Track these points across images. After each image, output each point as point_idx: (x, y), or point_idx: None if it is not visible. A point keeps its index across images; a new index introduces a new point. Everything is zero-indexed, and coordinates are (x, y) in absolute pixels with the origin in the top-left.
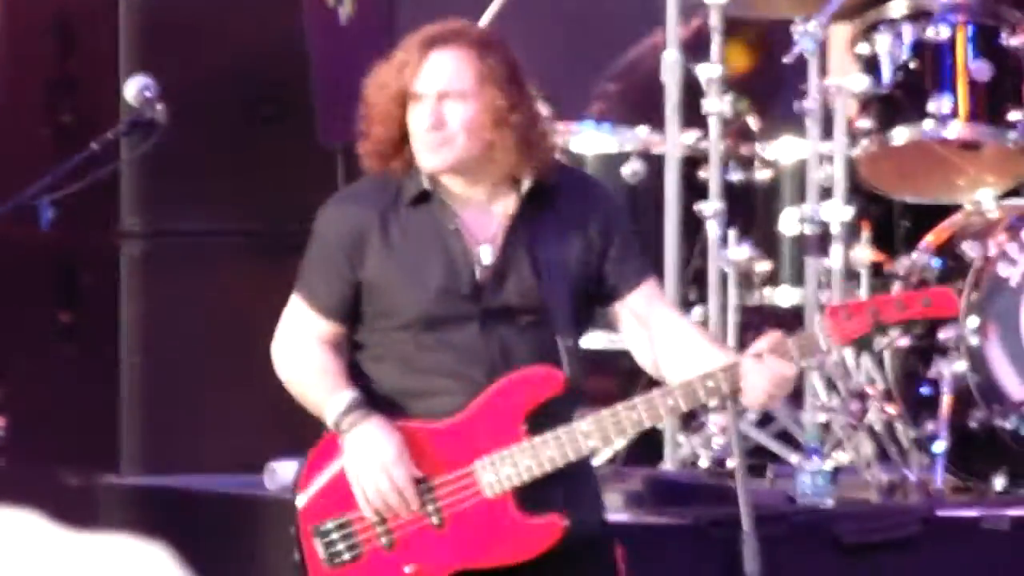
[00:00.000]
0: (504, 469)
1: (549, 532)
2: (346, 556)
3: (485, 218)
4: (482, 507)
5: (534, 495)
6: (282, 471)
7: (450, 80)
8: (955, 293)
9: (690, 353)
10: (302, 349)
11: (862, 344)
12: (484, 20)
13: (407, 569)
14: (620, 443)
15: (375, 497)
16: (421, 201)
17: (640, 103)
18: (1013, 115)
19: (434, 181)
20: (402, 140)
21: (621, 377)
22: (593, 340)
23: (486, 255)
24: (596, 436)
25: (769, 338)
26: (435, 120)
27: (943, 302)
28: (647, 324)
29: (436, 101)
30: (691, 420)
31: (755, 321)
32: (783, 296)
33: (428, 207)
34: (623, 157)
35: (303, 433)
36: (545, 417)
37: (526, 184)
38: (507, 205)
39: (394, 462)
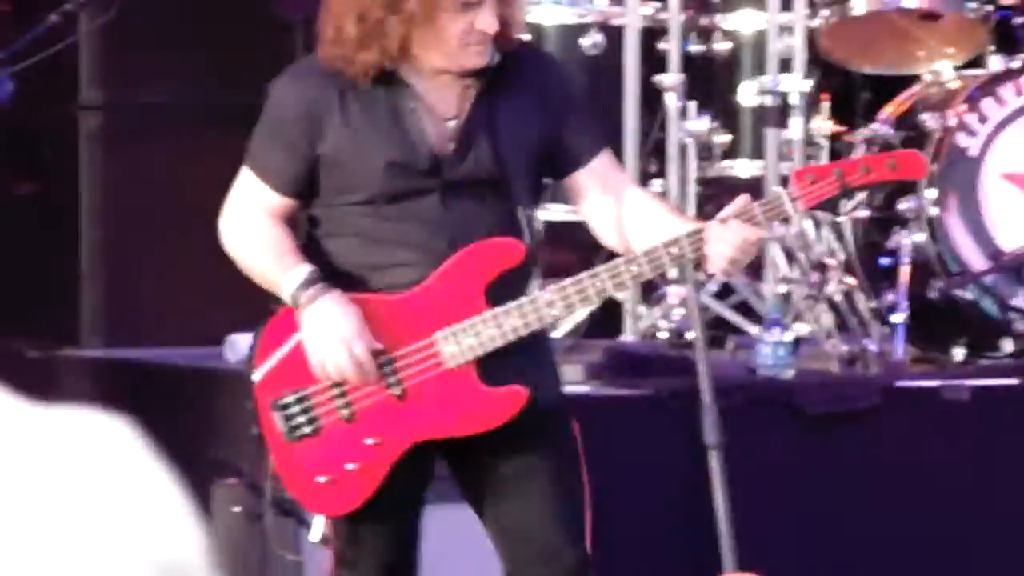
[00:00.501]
0: (466, 339)
1: (511, 402)
2: (306, 429)
3: (447, 92)
4: (444, 378)
5: (495, 366)
6: (241, 343)
7: None
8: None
9: (652, 221)
10: (253, 223)
11: (827, 207)
12: None
13: (368, 441)
14: (582, 313)
15: (335, 371)
16: (383, 81)
17: None
18: None
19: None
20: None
21: (580, 250)
22: (552, 213)
23: (447, 130)
24: (560, 305)
25: (735, 203)
26: (483, 22)
27: (910, 164)
28: (606, 194)
29: (496, 4)
30: (651, 292)
31: (715, 193)
32: (743, 168)
33: (389, 85)
34: (583, 28)
35: (262, 306)
36: (504, 288)
37: (492, 64)
38: (470, 83)
39: (354, 335)
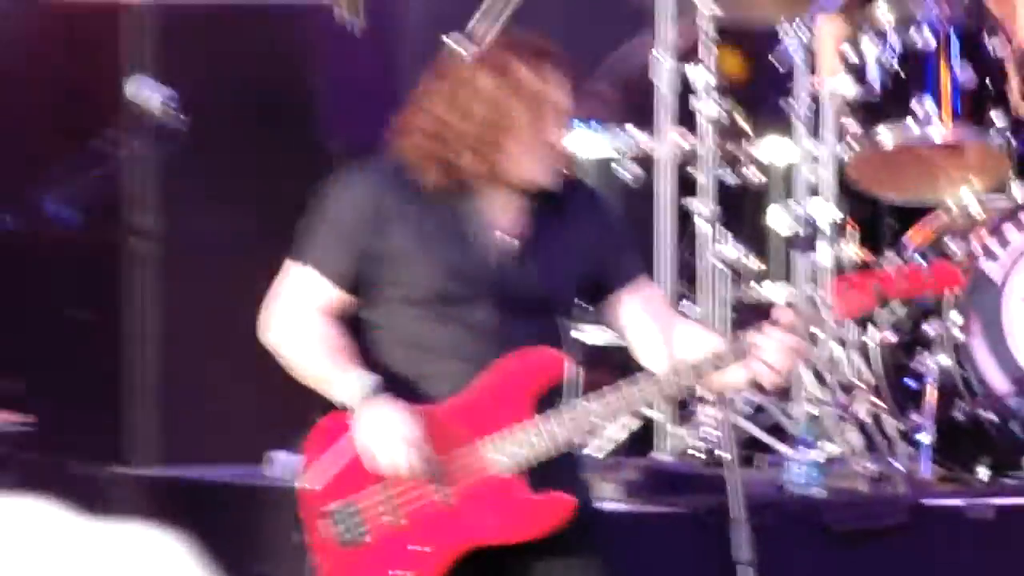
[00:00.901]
0: (515, 448)
1: (560, 509)
2: (357, 536)
3: (508, 207)
4: (493, 485)
5: (542, 474)
6: (280, 460)
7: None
8: (961, 272)
9: (694, 338)
10: (306, 320)
11: (865, 320)
12: (474, 21)
13: (418, 548)
14: (622, 434)
15: (394, 468)
16: (449, 194)
17: (629, 104)
18: (996, 118)
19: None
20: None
21: (616, 372)
22: (592, 336)
23: (504, 244)
24: (603, 414)
25: (776, 314)
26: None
27: (945, 274)
28: (646, 314)
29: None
30: (684, 411)
31: (748, 317)
32: (773, 292)
33: (455, 192)
34: (617, 159)
35: (299, 426)
36: (549, 399)
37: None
38: (523, 205)
39: (413, 435)
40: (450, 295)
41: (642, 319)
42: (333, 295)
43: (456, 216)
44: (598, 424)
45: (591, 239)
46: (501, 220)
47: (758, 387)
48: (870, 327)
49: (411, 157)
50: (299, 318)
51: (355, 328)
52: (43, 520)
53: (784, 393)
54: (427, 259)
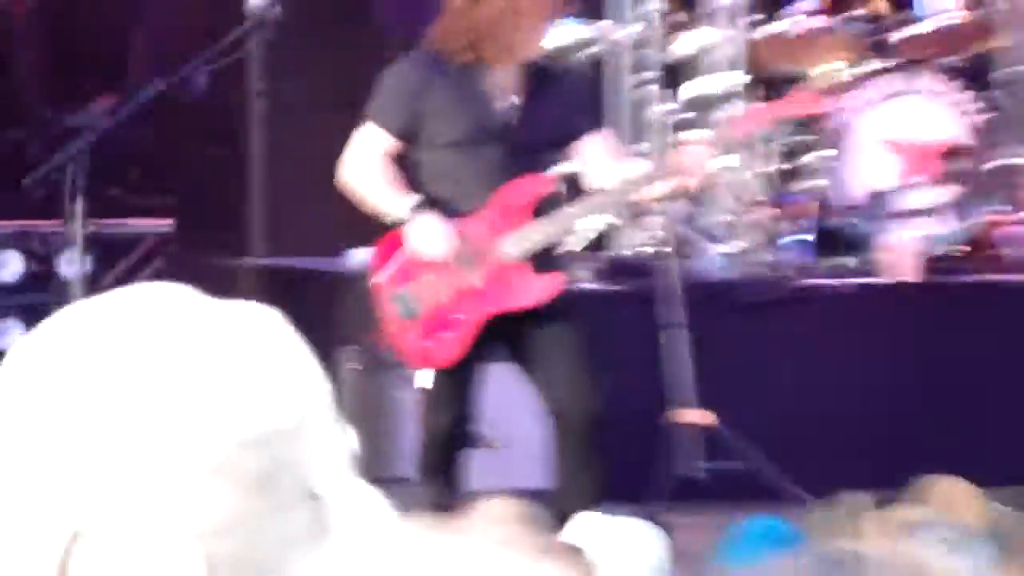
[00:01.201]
0: (522, 242)
1: (556, 282)
2: (415, 311)
3: (509, 79)
4: (508, 269)
5: (542, 259)
6: (357, 254)
7: None
8: (820, 96)
9: (631, 166)
10: (373, 162)
11: (767, 153)
12: None
13: (459, 316)
14: (595, 232)
15: (440, 262)
16: (465, 68)
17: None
18: (858, 8)
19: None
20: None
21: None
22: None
23: (508, 105)
24: (581, 214)
25: (687, 139)
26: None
27: (808, 98)
28: (600, 154)
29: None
30: (639, 218)
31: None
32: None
33: (473, 69)
34: (586, 42)
35: (371, 232)
36: (544, 208)
37: (529, 61)
38: (521, 77)
39: (449, 236)
40: (474, 139)
41: (598, 155)
42: (390, 143)
43: (476, 84)
44: (576, 223)
45: (565, 101)
46: (506, 87)
47: (681, 194)
48: (769, 157)
49: (446, 41)
50: (364, 163)
51: (408, 165)
52: (183, 300)
53: (709, 203)
54: (457, 114)
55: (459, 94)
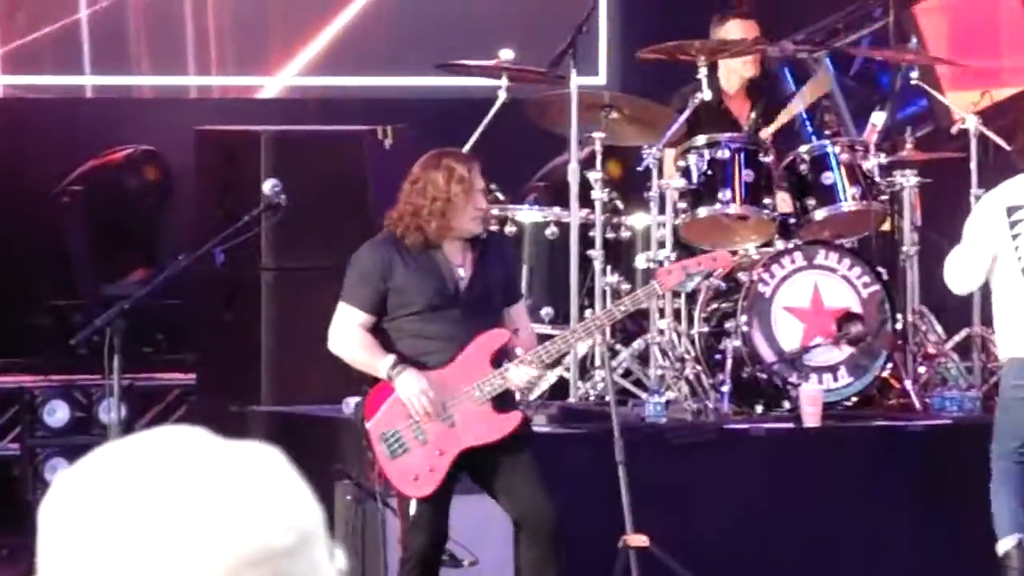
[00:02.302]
0: (486, 388)
1: (516, 419)
2: (400, 451)
3: (460, 251)
4: (475, 410)
5: (501, 401)
6: (352, 403)
7: (480, 181)
8: (728, 255)
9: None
10: (354, 336)
11: (678, 291)
12: (469, 144)
13: (437, 453)
14: (547, 384)
15: (420, 410)
16: (423, 246)
17: (555, 193)
18: (767, 200)
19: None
20: (446, 219)
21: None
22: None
23: (463, 274)
24: (535, 365)
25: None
26: (479, 204)
27: (721, 257)
28: (519, 321)
29: (483, 195)
30: (586, 372)
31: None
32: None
33: (427, 246)
34: (546, 224)
35: (360, 384)
36: (501, 357)
37: (481, 236)
38: (469, 247)
39: (427, 388)
40: (434, 305)
41: (519, 319)
42: (365, 318)
43: (431, 259)
44: (532, 371)
45: (504, 269)
46: (456, 259)
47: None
48: (695, 322)
49: (400, 228)
50: (349, 334)
51: (381, 332)
52: (200, 441)
53: (644, 360)
54: (418, 287)
55: (416, 269)
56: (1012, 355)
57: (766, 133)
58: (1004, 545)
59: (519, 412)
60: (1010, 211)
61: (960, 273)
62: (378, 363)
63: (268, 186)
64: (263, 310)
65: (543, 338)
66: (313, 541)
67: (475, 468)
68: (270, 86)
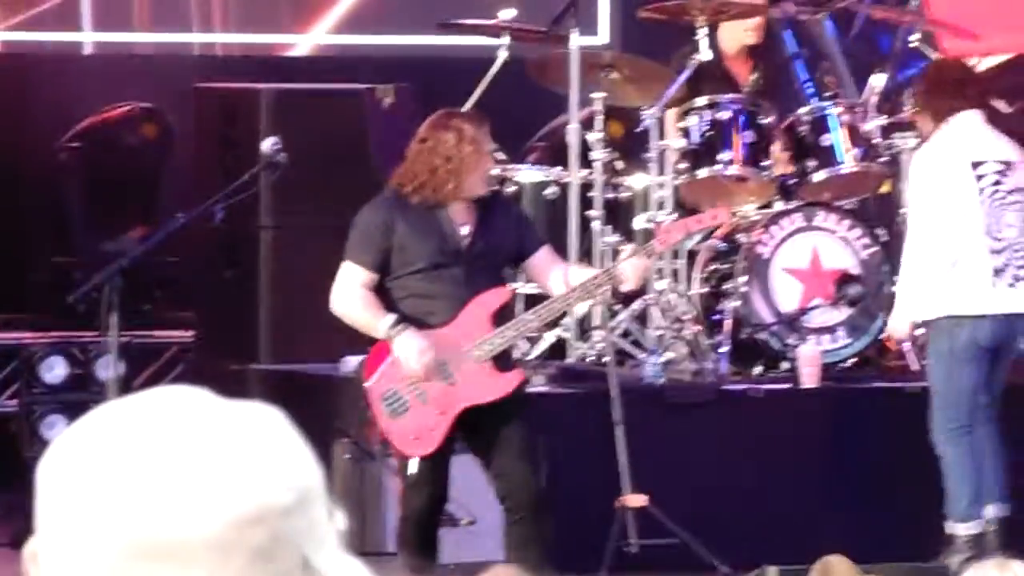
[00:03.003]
0: (486, 346)
1: (517, 378)
2: (401, 410)
3: (463, 210)
4: (476, 369)
5: (502, 360)
6: (351, 361)
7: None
8: (728, 211)
9: (577, 273)
10: (356, 294)
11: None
12: (470, 104)
13: (436, 412)
14: (549, 340)
15: (418, 367)
16: (425, 205)
17: (555, 153)
18: (766, 162)
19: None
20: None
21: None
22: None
23: (464, 233)
24: (536, 321)
25: (627, 251)
26: (489, 166)
27: (723, 214)
28: (549, 266)
29: (492, 156)
30: (585, 333)
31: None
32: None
33: (430, 204)
34: (546, 184)
35: (361, 342)
36: (502, 316)
37: (480, 195)
38: (471, 207)
39: (427, 347)
40: (436, 264)
41: (547, 267)
42: (367, 276)
43: (435, 218)
44: (533, 328)
45: (512, 226)
46: (460, 218)
47: (623, 296)
48: (695, 283)
49: (408, 185)
50: (351, 293)
51: (384, 292)
52: (199, 400)
53: (642, 321)
54: (420, 245)
55: (419, 228)
56: (960, 312)
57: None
58: (989, 512)
59: (520, 371)
60: (975, 165)
61: (942, 246)
62: (378, 323)
63: (267, 144)
64: (261, 268)
65: (540, 299)
66: (312, 500)
67: (471, 432)
68: (276, 44)
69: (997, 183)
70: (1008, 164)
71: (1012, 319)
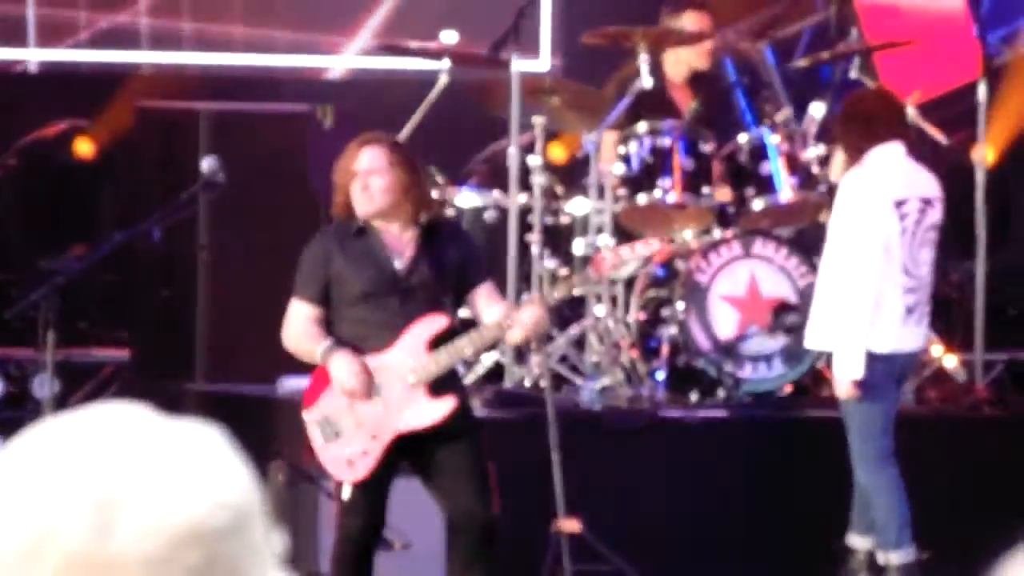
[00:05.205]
0: (420, 372)
1: (449, 406)
2: (333, 435)
3: (399, 241)
4: (410, 395)
5: (438, 386)
6: (287, 383)
7: (371, 162)
8: (661, 240)
9: (501, 311)
10: (299, 326)
11: (613, 278)
12: (405, 132)
13: (370, 437)
14: (483, 368)
15: (351, 392)
16: (362, 233)
17: (495, 177)
18: (706, 190)
19: (368, 223)
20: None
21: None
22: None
23: (400, 261)
24: (469, 348)
25: (532, 297)
26: (362, 186)
27: (657, 244)
28: (485, 301)
29: (364, 176)
30: (522, 357)
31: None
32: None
33: (367, 234)
34: (486, 208)
35: (296, 361)
36: (439, 343)
37: (422, 223)
38: (412, 235)
39: (360, 370)
40: (372, 293)
41: (483, 304)
42: (312, 310)
43: (370, 247)
44: (467, 355)
45: (456, 256)
46: (395, 246)
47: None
48: (632, 309)
49: (335, 210)
50: (295, 329)
51: (329, 321)
52: (136, 419)
53: (580, 346)
54: (356, 274)
55: (356, 257)
56: (875, 349)
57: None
58: (863, 544)
59: (454, 398)
60: (898, 204)
61: (866, 288)
62: (315, 348)
63: (206, 164)
64: (199, 288)
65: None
66: (249, 522)
67: (415, 457)
68: (221, 64)
69: (918, 221)
70: (928, 201)
71: (914, 356)
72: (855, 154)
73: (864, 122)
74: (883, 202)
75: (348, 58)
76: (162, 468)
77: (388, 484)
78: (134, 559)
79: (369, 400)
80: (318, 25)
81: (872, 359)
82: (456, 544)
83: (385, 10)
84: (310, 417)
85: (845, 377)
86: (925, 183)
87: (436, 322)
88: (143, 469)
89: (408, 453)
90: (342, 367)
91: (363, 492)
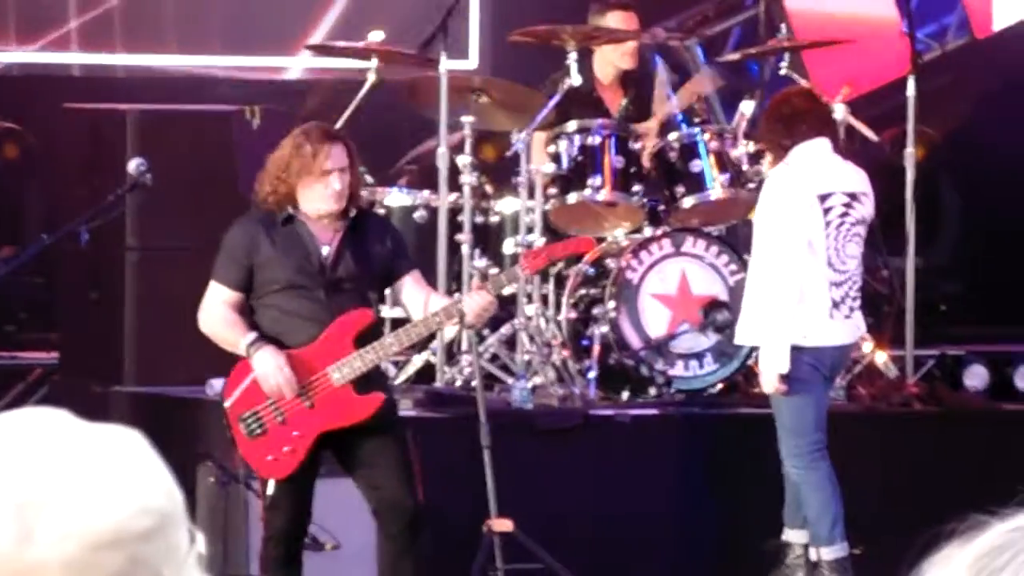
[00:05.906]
0: (345, 369)
1: (375, 402)
2: (258, 431)
3: (327, 228)
4: (335, 392)
5: (363, 383)
6: (216, 384)
7: (338, 160)
8: (592, 239)
9: (436, 301)
10: (219, 312)
11: (543, 273)
12: (341, 121)
13: (295, 434)
14: (415, 365)
15: (276, 388)
16: (288, 222)
17: (424, 176)
18: (635, 187)
19: (295, 212)
20: (291, 193)
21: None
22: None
23: (327, 251)
24: (396, 345)
25: (477, 286)
26: (331, 184)
27: (583, 242)
28: (413, 291)
29: (336, 174)
30: (453, 357)
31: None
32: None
33: (294, 223)
34: (415, 207)
35: (227, 363)
36: (364, 339)
37: (351, 215)
38: (340, 226)
39: (285, 364)
40: (297, 283)
41: (412, 292)
42: (231, 295)
43: (296, 236)
44: (393, 352)
45: (382, 247)
46: (325, 237)
47: (469, 325)
48: (563, 308)
49: (259, 195)
50: (216, 312)
51: (251, 310)
52: (60, 422)
53: (511, 346)
54: (281, 264)
55: (282, 247)
56: (801, 343)
57: (647, 127)
58: (799, 538)
59: (380, 395)
60: (822, 199)
61: (790, 283)
62: (239, 340)
63: (133, 165)
64: (127, 290)
65: (405, 323)
66: (172, 524)
67: (340, 451)
68: (151, 65)
69: (843, 215)
70: (854, 196)
71: (843, 350)
72: (779, 152)
73: (787, 120)
74: (806, 197)
75: (277, 59)
76: (83, 472)
77: (313, 480)
78: (54, 563)
79: (294, 397)
80: (254, 49)
81: (798, 353)
82: (384, 535)
83: (323, 31)
84: (234, 411)
85: (771, 371)
86: (851, 178)
87: (362, 316)
88: (64, 473)
89: (332, 445)
90: (268, 362)
91: (288, 489)
